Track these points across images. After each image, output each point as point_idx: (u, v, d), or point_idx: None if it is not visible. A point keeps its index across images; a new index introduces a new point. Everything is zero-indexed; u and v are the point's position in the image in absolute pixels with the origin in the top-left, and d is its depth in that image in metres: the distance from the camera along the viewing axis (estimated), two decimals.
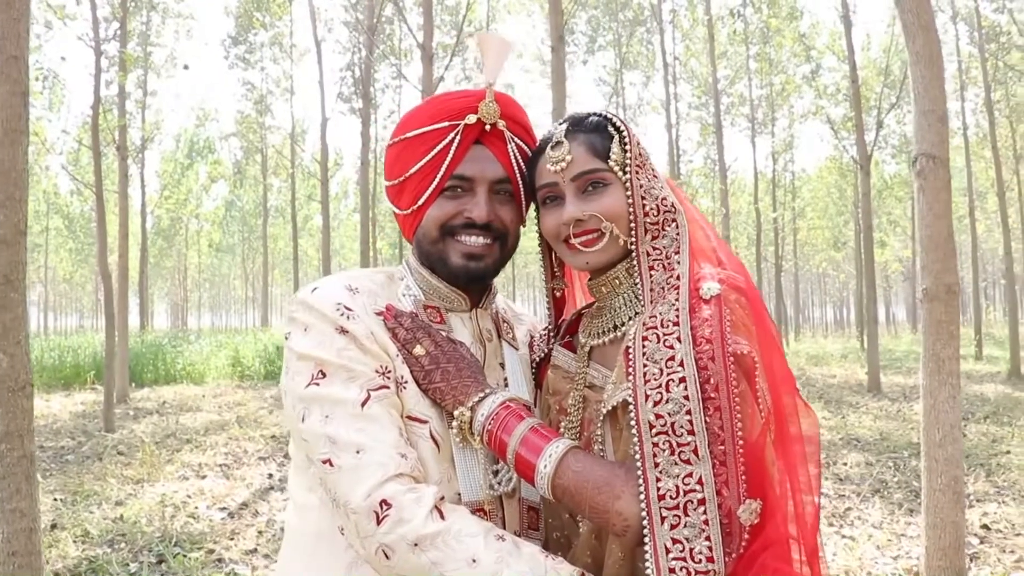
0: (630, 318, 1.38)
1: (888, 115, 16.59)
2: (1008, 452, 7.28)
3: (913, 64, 3.95)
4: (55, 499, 5.87)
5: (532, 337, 1.66)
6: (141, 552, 4.70)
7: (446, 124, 1.37)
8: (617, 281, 1.40)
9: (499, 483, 1.36)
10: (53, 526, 5.12)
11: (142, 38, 16.78)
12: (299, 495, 1.36)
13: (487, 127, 1.40)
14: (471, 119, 1.37)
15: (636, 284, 1.38)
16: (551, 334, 1.60)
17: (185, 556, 4.60)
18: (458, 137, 1.37)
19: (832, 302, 65.23)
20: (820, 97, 21.82)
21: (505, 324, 1.58)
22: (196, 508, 5.72)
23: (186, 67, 12.25)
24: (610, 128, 1.36)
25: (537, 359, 1.59)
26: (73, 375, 14.24)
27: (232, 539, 5.00)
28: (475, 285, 1.47)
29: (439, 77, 11.58)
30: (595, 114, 1.38)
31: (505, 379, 1.49)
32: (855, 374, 15.71)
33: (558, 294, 1.60)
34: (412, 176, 1.40)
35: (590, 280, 1.46)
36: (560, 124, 1.39)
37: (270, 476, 6.87)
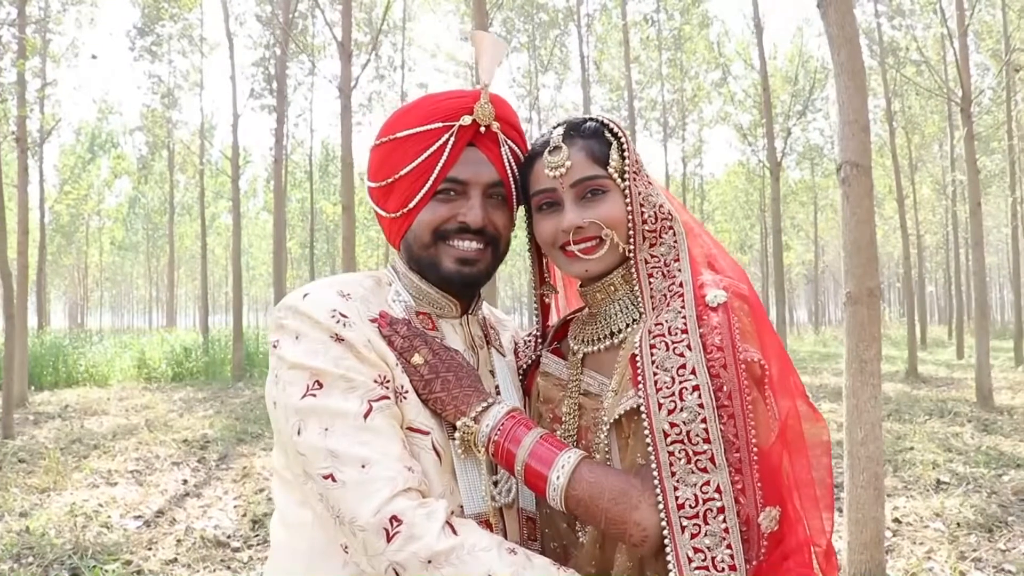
0: (627, 325, 1.37)
1: (794, 123, 17.15)
2: (912, 448, 7.59)
3: (837, 75, 4.07)
4: None
5: (516, 344, 1.63)
6: (52, 566, 4.48)
7: (439, 125, 1.33)
8: (612, 288, 1.38)
9: (499, 494, 1.34)
10: None
11: (40, 24, 16.05)
12: (289, 511, 1.29)
13: (481, 129, 1.36)
14: (466, 120, 1.33)
15: (632, 291, 1.37)
16: (538, 340, 1.58)
17: (101, 568, 4.40)
18: (452, 139, 1.33)
19: None
20: (728, 103, 22.43)
21: (492, 331, 1.55)
22: (109, 517, 5.49)
23: (94, 56, 11.70)
24: (607, 134, 1.35)
25: (524, 366, 1.56)
26: None
27: (150, 549, 4.82)
28: (467, 291, 1.44)
29: (357, 75, 11.43)
30: (592, 119, 1.37)
31: (496, 387, 1.45)
32: None
33: (547, 300, 1.58)
34: (402, 178, 1.35)
35: (582, 287, 1.44)
36: (556, 128, 1.37)
37: (185, 482, 6.65)
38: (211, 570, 4.50)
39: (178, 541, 4.98)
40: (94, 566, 4.43)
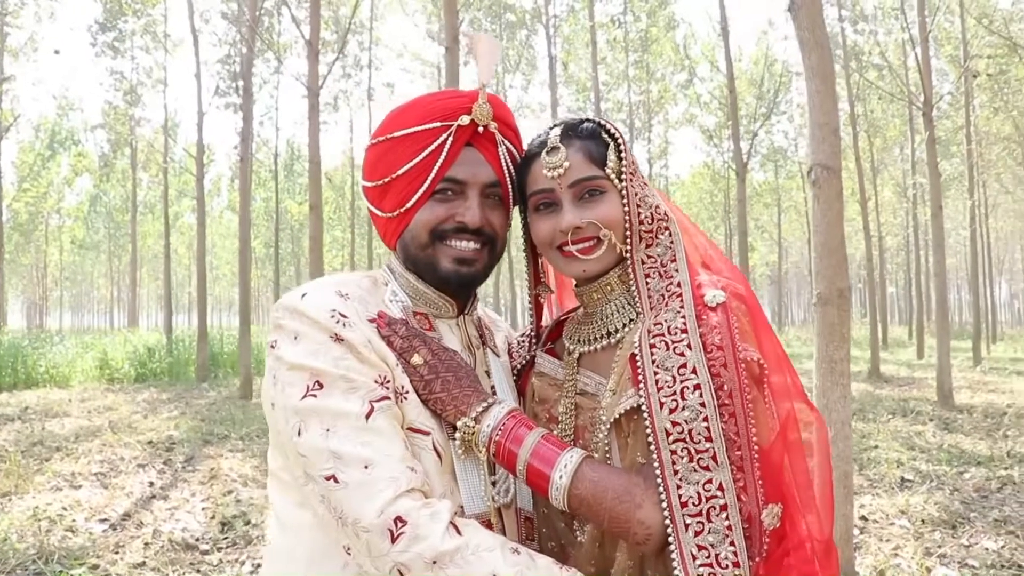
0: (624, 325, 1.37)
1: (760, 125, 17.35)
2: (876, 447, 7.71)
3: (808, 79, 4.12)
4: None
5: (510, 344, 1.63)
6: (15, 571, 4.39)
7: (438, 125, 1.33)
8: (609, 288, 1.39)
9: (498, 494, 1.34)
10: None
11: None
12: (287, 513, 1.28)
13: (479, 129, 1.36)
14: (464, 120, 1.33)
15: (629, 291, 1.38)
16: (532, 341, 1.58)
17: (67, 573, 4.33)
18: (450, 139, 1.33)
19: None
20: (695, 105, 22.64)
21: (487, 331, 1.54)
22: (74, 521, 5.39)
23: (56, 52, 11.52)
24: (604, 135, 1.36)
25: (518, 366, 1.56)
26: None
27: (117, 553, 4.74)
28: (464, 291, 1.44)
29: (325, 74, 11.37)
30: (589, 120, 1.37)
31: (492, 387, 1.45)
32: None
33: (543, 300, 1.58)
34: (399, 177, 1.35)
35: (578, 287, 1.44)
36: (553, 129, 1.37)
37: (151, 484, 6.56)
38: (180, 573, 4.44)
39: (146, 544, 4.91)
40: (60, 571, 4.35)
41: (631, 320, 1.37)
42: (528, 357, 1.55)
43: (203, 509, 5.79)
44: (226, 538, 5.09)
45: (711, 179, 27.97)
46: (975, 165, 17.35)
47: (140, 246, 34.12)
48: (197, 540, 5.04)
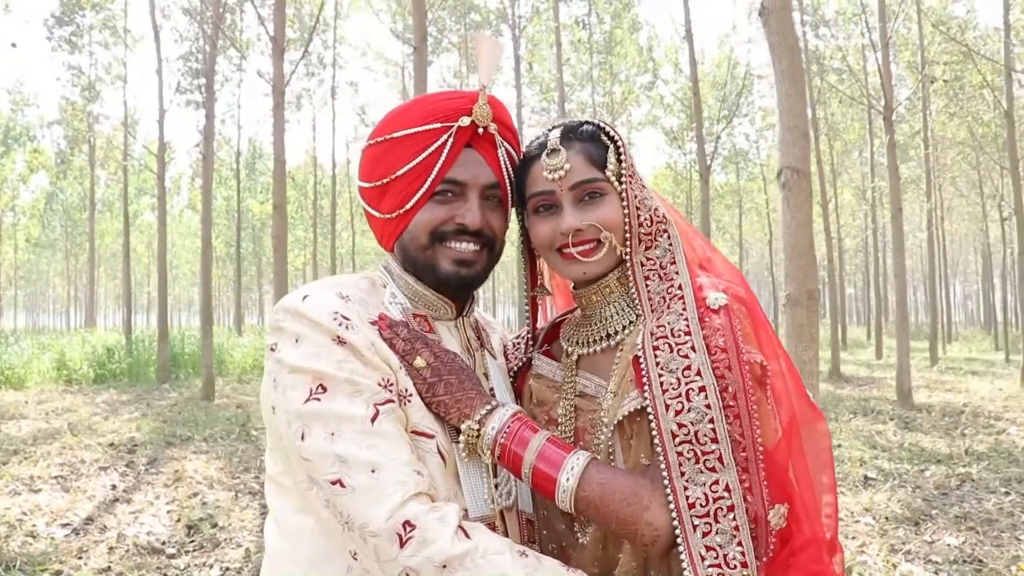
0: (624, 327, 1.38)
1: (722, 128, 17.53)
2: (839, 446, 7.83)
3: (779, 82, 4.17)
4: None
5: (505, 346, 1.63)
6: None
7: (438, 126, 1.32)
8: (608, 290, 1.39)
9: (500, 496, 1.33)
10: None
11: None
12: (287, 518, 1.26)
13: (479, 130, 1.35)
14: (464, 122, 1.32)
15: (628, 293, 1.38)
16: (528, 342, 1.57)
17: None
18: (451, 140, 1.32)
19: None
20: (658, 107, 22.78)
21: (484, 333, 1.54)
22: (34, 526, 5.28)
23: (13, 45, 11.27)
24: (603, 137, 1.36)
25: (515, 368, 1.55)
26: None
27: (80, 558, 4.66)
28: (463, 292, 1.43)
29: (290, 72, 11.26)
30: (588, 122, 1.37)
31: (491, 390, 1.44)
32: None
33: (540, 302, 1.58)
34: (399, 178, 1.33)
35: (576, 289, 1.44)
36: (552, 131, 1.37)
37: (114, 487, 6.45)
38: None
39: (110, 549, 4.82)
40: None
41: (631, 322, 1.37)
42: (525, 359, 1.55)
43: (168, 512, 5.70)
44: (193, 541, 5.02)
45: (674, 180, 28.14)
46: (932, 169, 17.67)
47: (98, 245, 33.54)
48: (163, 544, 4.97)
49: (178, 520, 5.46)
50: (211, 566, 4.57)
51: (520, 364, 1.55)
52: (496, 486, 1.33)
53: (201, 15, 14.04)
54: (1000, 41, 14.92)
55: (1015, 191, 13.25)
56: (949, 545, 4.79)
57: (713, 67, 25.87)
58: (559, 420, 1.40)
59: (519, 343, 1.60)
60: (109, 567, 4.51)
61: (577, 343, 1.44)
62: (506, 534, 1.32)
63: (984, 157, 19.29)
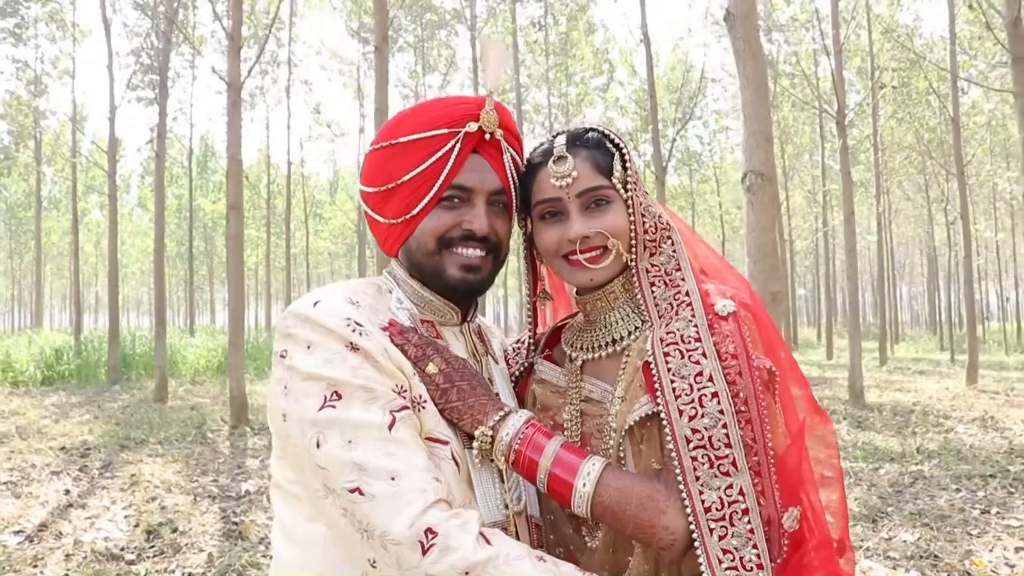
0: (629, 332, 1.39)
1: (677, 130, 17.70)
2: None
3: (743, 87, 4.23)
4: None
5: (505, 351, 1.63)
6: None
7: (446, 131, 1.31)
8: (613, 296, 1.40)
9: (511, 501, 1.33)
10: None
11: None
12: (296, 527, 1.25)
13: (486, 136, 1.35)
14: (472, 127, 1.32)
15: (634, 299, 1.40)
16: (530, 347, 1.57)
17: None
18: (458, 145, 1.31)
19: None
20: (612, 109, 22.93)
21: (486, 338, 1.54)
22: None
23: None
24: (608, 145, 1.37)
25: (516, 373, 1.55)
26: None
27: (35, 566, 4.54)
28: (469, 298, 1.43)
29: (248, 70, 11.14)
30: (593, 130, 1.38)
31: (496, 395, 1.42)
32: None
33: (542, 308, 1.59)
34: (405, 183, 1.32)
35: (579, 294, 1.45)
36: (557, 137, 1.38)
37: (67, 492, 6.30)
38: None
39: (67, 556, 4.72)
40: None
41: (636, 328, 1.39)
42: (526, 364, 1.56)
43: (125, 517, 5.59)
44: (153, 547, 4.93)
45: None
46: (881, 173, 18.06)
47: (44, 243, 32.75)
48: (122, 550, 4.87)
49: (136, 525, 5.36)
50: (172, 572, 4.50)
51: (522, 369, 1.55)
52: (506, 491, 1.34)
53: (153, 10, 13.78)
54: (945, 49, 15.32)
55: (961, 196, 13.60)
56: (905, 541, 4.90)
57: (668, 70, 26.15)
58: (565, 425, 1.41)
59: (519, 348, 1.61)
60: (67, 574, 4.41)
61: (581, 348, 1.45)
62: (518, 539, 1.32)
63: (931, 162, 19.75)
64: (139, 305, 63.75)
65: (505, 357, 1.61)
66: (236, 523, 5.44)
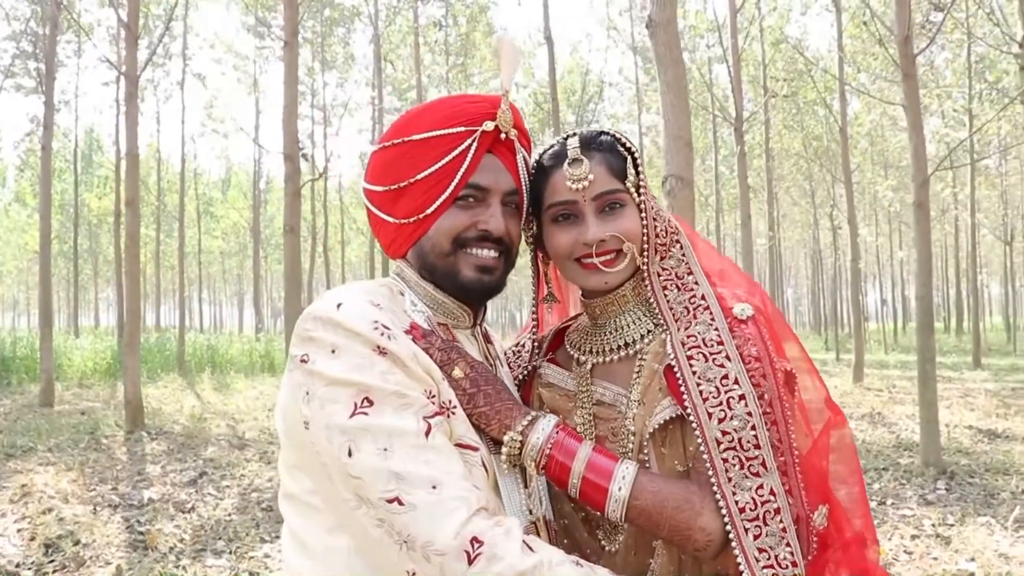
0: (642, 336, 1.39)
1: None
2: None
3: (664, 93, 4.31)
4: None
5: (507, 354, 1.60)
6: None
7: (462, 129, 1.28)
8: (624, 299, 1.41)
9: (534, 506, 1.32)
10: None
11: None
12: (313, 538, 1.19)
13: (501, 136, 1.32)
14: (488, 126, 1.30)
15: (646, 303, 1.40)
16: (533, 350, 1.56)
17: None
18: (475, 144, 1.29)
19: None
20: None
21: (493, 341, 1.52)
22: None
23: None
24: (620, 148, 1.37)
25: (520, 377, 1.53)
26: None
27: None
28: (483, 300, 1.40)
29: (145, 60, 10.73)
30: (605, 133, 1.38)
31: (519, 399, 1.41)
32: None
33: (549, 310, 1.57)
34: (418, 182, 1.29)
35: (588, 297, 1.45)
36: (570, 139, 1.37)
37: None
38: None
39: None
40: None
41: (648, 331, 1.39)
42: (529, 367, 1.54)
43: (19, 531, 5.29)
44: (53, 561, 4.68)
45: None
46: (772, 179, 18.76)
47: None
48: (18, 566, 4.61)
49: (32, 539, 5.08)
50: None
51: (525, 373, 1.54)
52: (529, 495, 1.32)
53: None
54: (833, 61, 16.02)
55: (848, 201, 14.26)
56: None
57: (566, 73, 26.48)
58: (578, 429, 1.40)
59: (519, 351, 1.59)
60: None
61: (591, 352, 1.44)
62: None
63: (818, 169, 20.63)
64: (15, 306, 60.48)
65: (508, 361, 1.59)
66: (142, 533, 5.22)
